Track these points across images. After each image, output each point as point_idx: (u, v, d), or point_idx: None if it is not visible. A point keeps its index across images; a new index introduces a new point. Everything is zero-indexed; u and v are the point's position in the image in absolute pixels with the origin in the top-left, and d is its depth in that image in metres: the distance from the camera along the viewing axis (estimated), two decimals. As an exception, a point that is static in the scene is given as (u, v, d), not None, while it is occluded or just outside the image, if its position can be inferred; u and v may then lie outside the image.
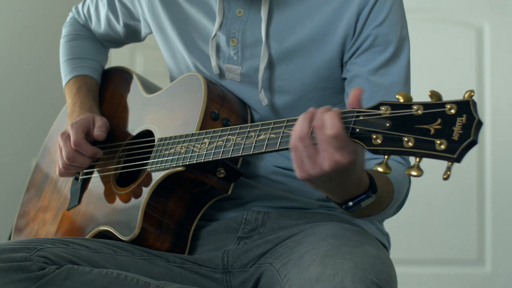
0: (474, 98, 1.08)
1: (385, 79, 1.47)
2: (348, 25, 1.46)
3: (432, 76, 3.18)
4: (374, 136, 1.12)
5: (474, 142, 1.05)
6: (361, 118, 1.14)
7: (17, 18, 3.33)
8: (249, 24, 1.51)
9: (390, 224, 1.74)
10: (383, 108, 1.12)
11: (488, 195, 3.21)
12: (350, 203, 1.26)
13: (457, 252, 3.23)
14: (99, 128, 1.62)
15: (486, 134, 3.19)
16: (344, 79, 1.51)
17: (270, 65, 1.50)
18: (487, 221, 3.20)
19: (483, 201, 3.21)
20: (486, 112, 3.18)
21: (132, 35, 1.78)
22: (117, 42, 1.85)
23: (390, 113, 1.11)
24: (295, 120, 1.23)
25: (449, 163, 1.06)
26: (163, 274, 1.43)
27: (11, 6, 3.32)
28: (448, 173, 1.06)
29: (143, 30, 1.72)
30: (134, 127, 1.64)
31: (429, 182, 3.12)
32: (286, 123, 1.26)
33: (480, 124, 1.05)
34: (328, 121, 1.15)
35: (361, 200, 1.27)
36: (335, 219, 1.50)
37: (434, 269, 3.23)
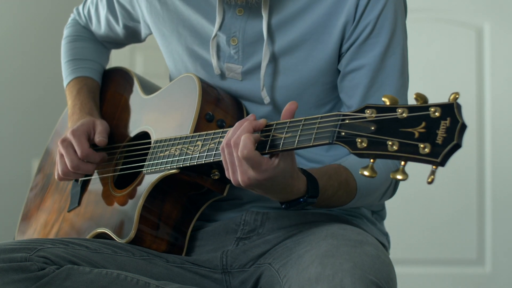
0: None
1: (380, 72, 1.47)
2: (347, 15, 1.45)
3: (432, 76, 3.18)
4: (359, 140, 1.12)
5: (457, 146, 1.04)
6: (347, 121, 1.15)
7: (18, 18, 3.33)
8: (249, 22, 1.50)
9: (390, 224, 1.74)
10: (368, 112, 1.13)
11: (488, 195, 3.21)
12: (288, 205, 1.33)
13: (457, 252, 3.23)
14: (100, 134, 1.61)
15: (486, 135, 3.19)
16: (339, 71, 1.51)
17: (272, 61, 1.50)
18: (487, 221, 3.20)
19: (483, 201, 3.21)
20: (486, 113, 3.18)
21: (132, 36, 1.78)
22: (118, 43, 1.85)
23: (376, 117, 1.12)
24: (284, 123, 1.24)
25: (433, 167, 1.05)
26: (163, 274, 1.43)
27: (13, 6, 3.32)
28: (432, 177, 1.05)
29: (143, 31, 1.72)
30: (132, 129, 1.64)
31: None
32: (275, 126, 1.26)
33: (464, 127, 1.05)
34: (242, 142, 1.23)
35: (297, 203, 1.32)
36: (335, 219, 1.50)
37: (434, 269, 3.23)
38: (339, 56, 1.49)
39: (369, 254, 1.27)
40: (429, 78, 3.15)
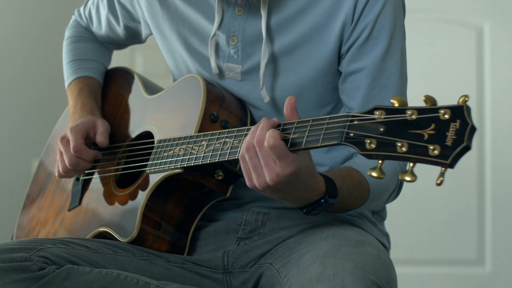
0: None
1: (381, 74, 1.47)
2: (346, 16, 1.45)
3: (432, 76, 3.17)
4: (368, 141, 1.12)
5: (467, 148, 1.05)
6: (356, 122, 1.15)
7: (18, 18, 3.34)
8: (248, 22, 1.50)
9: (390, 224, 1.74)
10: (377, 113, 1.13)
11: (488, 195, 3.21)
12: (309, 208, 1.31)
13: (457, 252, 3.23)
14: (102, 135, 1.61)
15: (486, 135, 3.19)
16: (340, 73, 1.50)
17: (271, 62, 1.50)
18: (487, 221, 3.20)
19: (483, 201, 3.21)
20: (486, 113, 3.18)
21: (133, 36, 1.78)
22: (119, 44, 1.86)
23: (385, 118, 1.12)
24: (292, 123, 1.24)
25: (443, 169, 1.06)
26: (163, 274, 1.43)
27: (15, 7, 3.32)
28: (441, 178, 1.06)
29: (144, 32, 1.72)
30: (134, 128, 1.64)
31: (429, 182, 3.13)
32: (283, 126, 1.26)
33: (473, 129, 1.05)
34: (267, 135, 1.22)
35: (318, 205, 1.31)
36: (335, 219, 1.50)
37: (434, 269, 3.23)
38: (339, 57, 1.49)
39: (370, 254, 1.27)
40: (429, 78, 3.14)
